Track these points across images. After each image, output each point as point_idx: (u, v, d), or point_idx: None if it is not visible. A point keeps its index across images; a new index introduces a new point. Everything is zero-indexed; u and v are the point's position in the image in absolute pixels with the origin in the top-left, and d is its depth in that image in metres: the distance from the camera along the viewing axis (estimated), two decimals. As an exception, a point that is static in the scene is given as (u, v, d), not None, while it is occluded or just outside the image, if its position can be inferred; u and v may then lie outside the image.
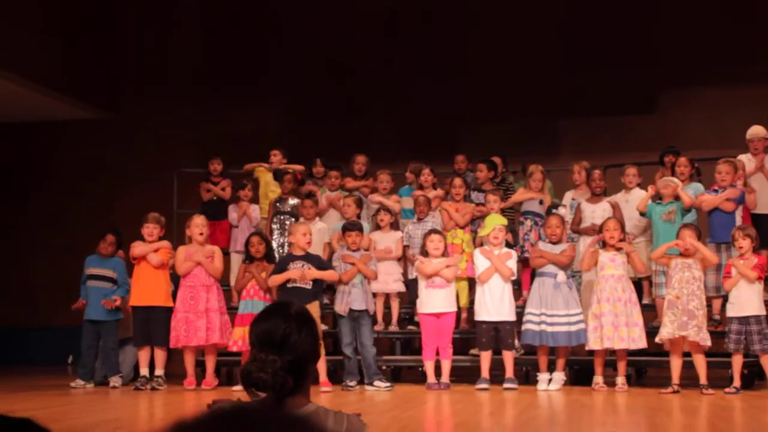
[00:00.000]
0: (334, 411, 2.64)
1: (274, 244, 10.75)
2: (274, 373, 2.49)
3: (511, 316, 9.33)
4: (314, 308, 9.29)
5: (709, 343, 8.68)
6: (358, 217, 10.38)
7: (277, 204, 11.11)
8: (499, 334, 9.36)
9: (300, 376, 2.56)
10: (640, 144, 13.01)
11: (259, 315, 2.71)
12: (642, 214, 9.83)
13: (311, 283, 9.28)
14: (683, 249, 8.83)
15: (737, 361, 8.70)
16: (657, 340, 8.86)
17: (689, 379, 8.92)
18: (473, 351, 9.93)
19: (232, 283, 10.46)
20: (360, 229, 9.74)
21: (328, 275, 9.32)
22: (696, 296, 8.73)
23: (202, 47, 15.07)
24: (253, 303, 9.47)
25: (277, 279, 9.33)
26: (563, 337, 9.11)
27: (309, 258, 9.39)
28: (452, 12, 14.44)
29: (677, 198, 9.62)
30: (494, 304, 9.32)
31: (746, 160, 10.13)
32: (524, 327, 9.23)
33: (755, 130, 10.32)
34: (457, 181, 10.56)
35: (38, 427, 0.90)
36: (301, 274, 9.23)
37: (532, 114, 13.79)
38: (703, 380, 8.65)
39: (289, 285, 9.29)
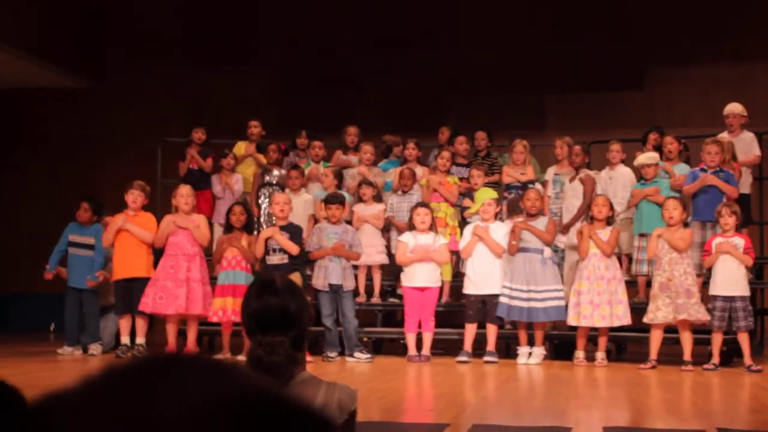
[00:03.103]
0: (327, 383, 2.63)
1: (262, 216, 10.77)
2: (287, 354, 2.46)
3: (498, 290, 9.32)
4: (296, 279, 9.33)
5: (708, 317, 8.70)
6: (338, 188, 10.37)
7: (264, 175, 11.10)
8: (486, 307, 9.38)
9: (300, 349, 2.56)
10: (627, 120, 13.00)
11: (246, 296, 2.63)
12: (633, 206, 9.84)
13: (287, 257, 9.27)
14: (668, 218, 8.84)
15: (717, 339, 8.74)
16: (646, 320, 8.87)
17: (668, 355, 8.96)
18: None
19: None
20: (341, 202, 9.71)
21: (287, 246, 9.29)
22: (689, 274, 8.76)
23: (188, 17, 14.96)
24: (234, 274, 9.45)
25: (257, 246, 9.35)
26: (549, 312, 9.11)
27: (289, 227, 9.41)
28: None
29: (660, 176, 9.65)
30: (483, 278, 9.34)
31: (725, 140, 10.07)
32: (508, 302, 9.19)
33: (732, 107, 10.30)
34: (445, 153, 10.54)
35: (8, 388, 0.89)
36: (272, 233, 9.27)
37: (519, 88, 13.76)
38: (687, 356, 8.69)
39: (268, 261, 9.30)
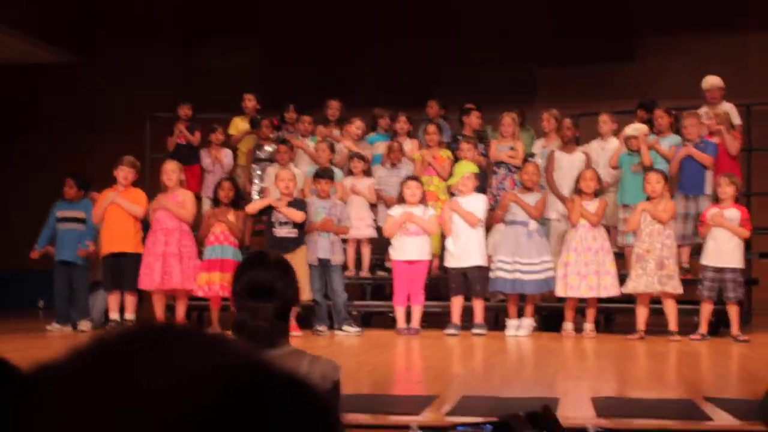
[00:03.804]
0: (311, 355, 2.69)
1: (255, 190, 10.78)
2: (270, 320, 2.58)
3: (479, 261, 9.34)
4: (302, 252, 9.34)
5: (680, 290, 8.77)
6: (331, 162, 10.36)
7: (256, 151, 11.09)
8: (468, 280, 9.40)
9: (284, 322, 2.68)
10: (619, 92, 12.96)
11: (240, 266, 2.79)
12: (614, 167, 9.87)
13: (295, 231, 9.29)
14: (651, 192, 8.87)
15: (706, 309, 8.79)
16: (622, 290, 8.93)
17: (656, 325, 9.01)
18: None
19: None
20: (331, 177, 9.71)
21: (292, 214, 9.29)
22: (667, 246, 8.79)
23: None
24: (222, 248, 9.45)
25: (254, 205, 9.35)
26: (534, 285, 9.16)
27: (295, 203, 9.43)
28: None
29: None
30: (462, 251, 9.35)
31: (703, 113, 10.10)
32: (494, 275, 9.25)
33: (711, 80, 10.28)
34: (431, 127, 10.53)
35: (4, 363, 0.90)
36: (275, 201, 9.25)
37: (509, 61, 13.72)
38: (672, 326, 8.74)
39: (275, 233, 9.29)
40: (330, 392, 2.65)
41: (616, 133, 10.32)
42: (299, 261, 9.25)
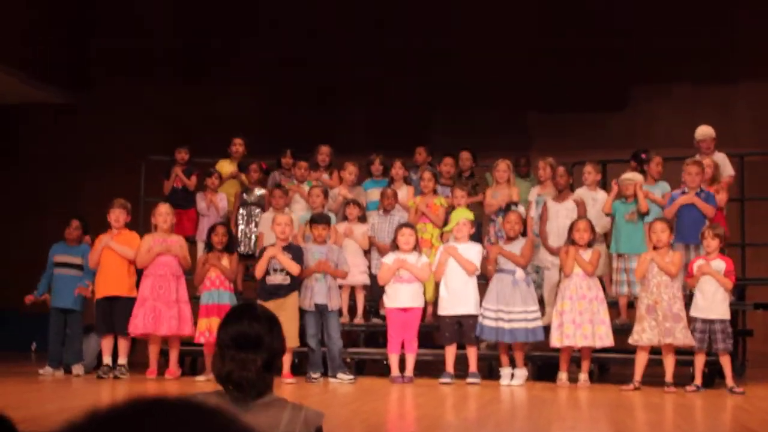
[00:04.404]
0: (292, 403, 2.72)
1: (240, 234, 10.79)
2: (258, 370, 2.62)
3: (474, 310, 9.34)
4: (293, 299, 9.35)
5: (693, 342, 8.72)
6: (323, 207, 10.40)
7: (243, 194, 11.11)
8: (462, 329, 9.37)
9: (272, 372, 2.72)
10: (610, 141, 13.07)
11: (227, 317, 2.81)
12: (608, 214, 9.88)
13: (288, 278, 9.29)
14: (656, 241, 8.86)
15: (699, 360, 8.76)
16: (631, 342, 8.88)
17: (650, 376, 8.98)
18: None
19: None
20: (327, 222, 9.73)
21: (290, 266, 9.30)
22: (678, 298, 8.78)
23: (174, 33, 14.97)
24: (219, 293, 9.47)
25: (259, 265, 9.34)
26: (521, 334, 9.14)
27: (290, 248, 9.43)
28: (429, 4, 14.42)
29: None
30: (457, 298, 9.33)
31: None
32: (481, 321, 9.24)
33: (704, 131, 10.30)
34: (426, 174, 10.56)
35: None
36: (275, 252, 9.29)
37: (503, 108, 13.80)
38: (669, 378, 8.71)
39: (268, 281, 9.29)
40: None
41: (599, 183, 10.34)
42: (290, 307, 9.27)
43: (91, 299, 10.02)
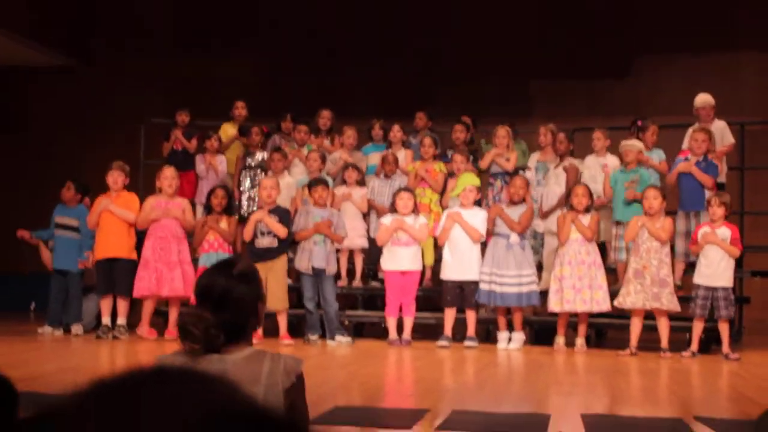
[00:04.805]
0: (270, 353, 2.70)
1: (244, 197, 10.81)
2: (206, 329, 2.57)
3: (476, 276, 9.36)
4: (282, 262, 9.43)
5: (679, 308, 8.78)
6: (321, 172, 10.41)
7: (246, 158, 11.10)
8: (463, 293, 9.41)
9: (237, 331, 2.65)
10: (613, 108, 13.04)
11: (205, 270, 2.81)
12: (608, 197, 9.86)
13: (276, 241, 9.34)
14: (648, 208, 8.88)
15: (698, 327, 8.80)
16: (616, 304, 8.94)
17: (647, 341, 9.03)
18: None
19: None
20: (326, 185, 9.74)
21: (276, 228, 9.35)
22: (665, 263, 8.82)
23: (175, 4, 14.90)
24: (217, 256, 9.46)
25: (246, 229, 9.40)
26: (512, 298, 9.17)
27: (277, 210, 9.48)
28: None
29: (640, 164, 9.70)
30: (460, 264, 9.36)
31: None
32: (479, 286, 9.28)
33: (704, 98, 10.25)
34: (427, 140, 10.54)
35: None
36: (261, 216, 9.34)
37: (506, 75, 13.75)
38: (664, 344, 8.75)
39: (257, 244, 9.35)
40: (296, 386, 2.67)
41: (610, 149, 10.31)
42: (279, 270, 9.37)
43: (90, 261, 10.05)
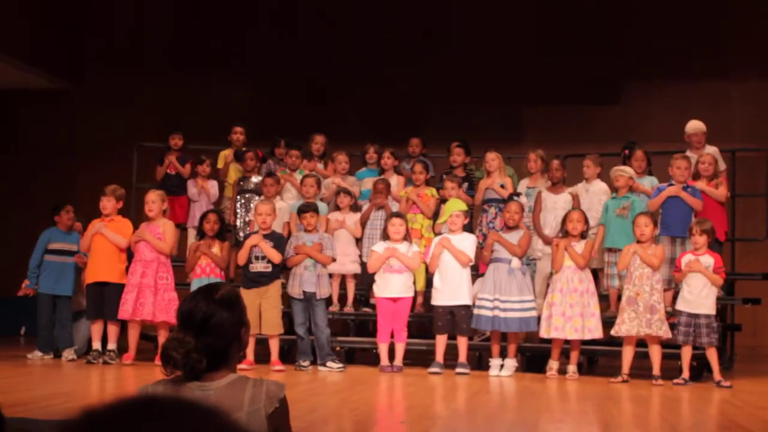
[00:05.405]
0: (252, 379, 2.70)
1: (239, 222, 10.80)
2: (186, 353, 2.58)
3: (467, 301, 9.36)
4: (275, 287, 9.42)
5: (670, 335, 8.78)
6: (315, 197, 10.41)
7: (241, 182, 11.11)
8: (454, 319, 9.39)
9: (219, 358, 2.65)
10: (603, 135, 13.09)
11: (188, 295, 2.78)
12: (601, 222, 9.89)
13: (270, 266, 9.33)
14: (639, 235, 8.90)
15: (686, 353, 8.80)
16: (613, 333, 8.92)
17: (638, 369, 9.01)
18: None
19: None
20: (315, 210, 9.74)
21: (271, 254, 9.34)
22: (656, 290, 8.82)
23: (170, 21, 14.94)
24: (209, 281, 9.46)
25: (241, 254, 9.39)
26: (515, 323, 9.16)
27: (272, 236, 9.49)
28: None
29: (632, 191, 9.74)
30: (451, 289, 9.35)
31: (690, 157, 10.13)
32: (477, 312, 9.27)
33: (695, 125, 10.32)
34: (418, 166, 10.57)
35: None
36: (257, 240, 9.32)
37: (497, 101, 13.81)
38: (656, 371, 8.74)
39: (251, 268, 9.33)
40: (279, 411, 2.67)
41: (600, 176, 10.34)
42: (273, 295, 9.36)
43: (80, 285, 10.02)
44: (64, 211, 10.27)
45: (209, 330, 2.63)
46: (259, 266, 9.39)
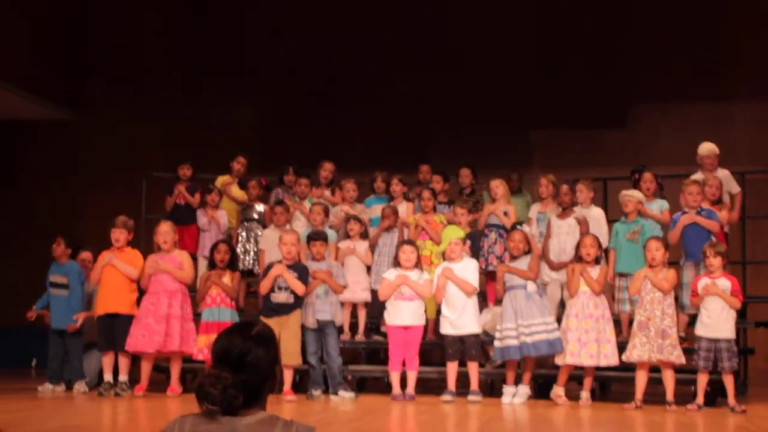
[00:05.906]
0: (283, 419, 2.69)
1: (240, 250, 10.79)
2: (224, 389, 2.59)
3: (475, 328, 9.32)
4: (295, 317, 9.37)
5: (683, 360, 8.72)
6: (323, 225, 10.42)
7: (244, 211, 11.12)
8: (464, 346, 9.35)
9: (254, 393, 2.66)
10: (611, 158, 13.11)
11: (222, 332, 2.79)
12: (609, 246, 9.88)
13: (293, 296, 9.29)
14: (650, 260, 8.86)
15: (702, 379, 8.72)
16: (624, 358, 8.86)
17: (652, 394, 8.96)
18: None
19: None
20: (324, 239, 9.73)
21: (295, 285, 9.30)
22: (668, 315, 8.76)
23: (173, 48, 15.01)
24: (219, 311, 9.47)
25: (264, 283, 9.34)
26: (543, 346, 9.05)
27: (296, 266, 9.41)
28: (429, 20, 14.48)
29: (641, 215, 9.73)
30: (459, 319, 9.30)
31: (700, 179, 10.11)
32: (503, 344, 9.15)
33: (708, 147, 10.30)
34: (426, 193, 10.57)
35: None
36: (281, 271, 9.26)
37: (505, 124, 13.85)
38: (669, 396, 8.68)
39: (273, 299, 9.29)
40: None
41: (593, 200, 10.36)
42: (293, 325, 9.28)
43: (91, 317, 10.01)
44: (56, 244, 10.30)
45: (245, 367, 2.64)
46: (281, 297, 9.32)
